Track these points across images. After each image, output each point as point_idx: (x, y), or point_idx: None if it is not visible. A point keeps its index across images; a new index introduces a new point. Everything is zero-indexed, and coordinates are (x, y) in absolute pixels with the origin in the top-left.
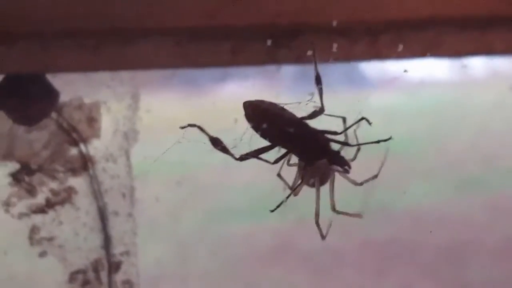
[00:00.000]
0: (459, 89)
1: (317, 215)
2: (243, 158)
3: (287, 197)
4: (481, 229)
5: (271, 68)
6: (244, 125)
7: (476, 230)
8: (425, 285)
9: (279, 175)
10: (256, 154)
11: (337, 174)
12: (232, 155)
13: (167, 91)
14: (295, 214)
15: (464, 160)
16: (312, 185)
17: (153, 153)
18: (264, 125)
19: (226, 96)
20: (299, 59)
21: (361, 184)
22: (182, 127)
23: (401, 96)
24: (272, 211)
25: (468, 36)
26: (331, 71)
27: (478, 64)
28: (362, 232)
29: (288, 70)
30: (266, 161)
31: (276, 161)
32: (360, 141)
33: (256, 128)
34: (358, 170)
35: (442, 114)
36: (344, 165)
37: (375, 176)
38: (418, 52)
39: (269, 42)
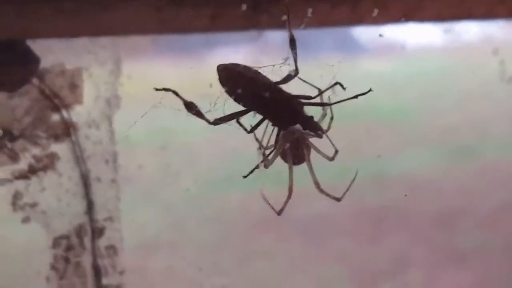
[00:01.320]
0: (447, 55)
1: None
2: (217, 122)
3: (261, 162)
4: (474, 196)
5: (253, 33)
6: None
7: (469, 197)
8: (419, 252)
9: (254, 134)
10: (230, 118)
11: (312, 152)
12: (206, 119)
13: (149, 56)
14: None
15: (457, 128)
16: (286, 160)
17: (135, 118)
18: (238, 90)
19: (208, 61)
20: (280, 24)
21: (332, 159)
22: (157, 89)
23: (391, 64)
24: (245, 176)
25: (449, 1)
26: (322, 37)
27: (461, 29)
28: (356, 199)
29: (272, 36)
30: (245, 128)
31: (252, 130)
32: (334, 112)
33: (230, 92)
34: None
35: (432, 82)
36: (317, 130)
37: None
38: (398, 17)
39: (244, 7)
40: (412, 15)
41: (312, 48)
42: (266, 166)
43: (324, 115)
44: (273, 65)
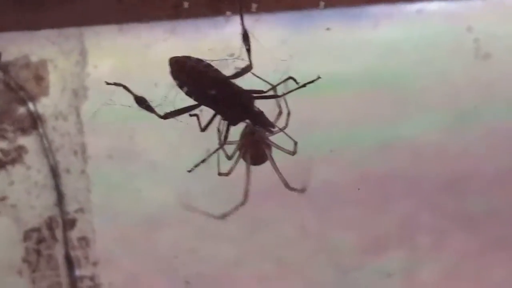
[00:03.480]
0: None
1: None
2: (167, 117)
3: (208, 156)
4: (480, 160)
5: (220, 19)
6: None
7: (475, 160)
8: (425, 217)
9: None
10: (180, 112)
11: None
12: (156, 113)
13: (115, 46)
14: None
15: (462, 91)
16: (246, 160)
17: (102, 109)
18: (187, 88)
19: (172, 50)
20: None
21: (294, 153)
22: (108, 83)
23: (395, 29)
24: (190, 171)
25: None
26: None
27: None
28: (361, 167)
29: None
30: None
31: (204, 129)
32: (290, 106)
33: (181, 86)
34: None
35: (437, 45)
36: (267, 125)
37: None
38: None
39: None
40: None
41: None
42: (228, 158)
43: (280, 113)
44: (226, 59)
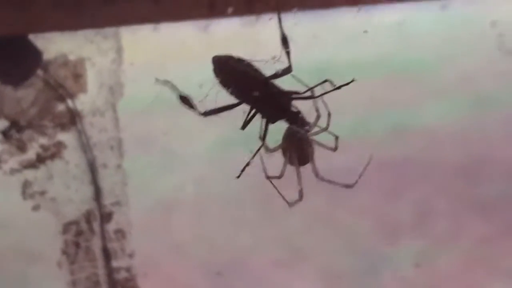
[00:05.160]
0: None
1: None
2: (207, 114)
3: (252, 157)
4: (497, 146)
5: (251, 18)
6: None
7: (491, 146)
8: (441, 203)
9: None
10: (220, 110)
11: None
12: (198, 111)
13: (150, 44)
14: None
15: (480, 77)
16: (293, 163)
17: (138, 105)
18: (228, 86)
19: (207, 47)
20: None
21: (335, 149)
22: (157, 81)
23: (419, 26)
24: (238, 177)
25: None
26: None
27: None
28: (377, 153)
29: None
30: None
31: (244, 127)
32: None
33: (223, 84)
34: None
35: (459, 39)
36: (303, 125)
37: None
38: None
39: None
40: None
41: None
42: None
43: (318, 117)
44: (266, 61)
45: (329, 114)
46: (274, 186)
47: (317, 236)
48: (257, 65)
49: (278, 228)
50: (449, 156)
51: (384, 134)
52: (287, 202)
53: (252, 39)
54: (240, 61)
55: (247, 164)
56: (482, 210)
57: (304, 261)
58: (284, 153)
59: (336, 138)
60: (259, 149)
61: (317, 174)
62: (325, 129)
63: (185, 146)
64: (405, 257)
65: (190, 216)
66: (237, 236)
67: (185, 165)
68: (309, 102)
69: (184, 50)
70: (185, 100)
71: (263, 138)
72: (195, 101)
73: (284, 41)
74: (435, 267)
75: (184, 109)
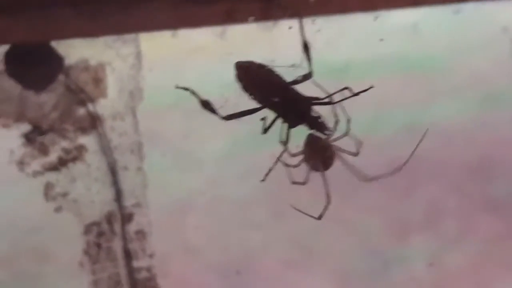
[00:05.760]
0: None
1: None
2: (228, 118)
3: (275, 163)
4: (507, 145)
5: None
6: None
7: (503, 145)
8: (452, 202)
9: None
10: (242, 115)
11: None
12: (219, 115)
13: (168, 50)
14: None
15: (492, 76)
16: (317, 169)
17: (157, 109)
18: (252, 93)
19: (225, 52)
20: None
21: (357, 153)
22: (177, 87)
23: (431, 31)
24: (262, 180)
25: None
26: None
27: None
28: (388, 151)
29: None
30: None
31: (265, 131)
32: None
33: (245, 89)
34: None
35: (471, 44)
36: (323, 130)
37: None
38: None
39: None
40: None
41: None
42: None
43: (337, 122)
44: (289, 67)
45: (348, 120)
46: (299, 210)
47: (329, 234)
48: (278, 70)
49: (288, 228)
50: (461, 155)
51: (396, 133)
52: (314, 217)
53: (269, 44)
54: (261, 66)
55: (271, 169)
56: (493, 208)
57: (315, 260)
58: (307, 159)
59: (360, 144)
60: (282, 154)
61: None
62: (346, 134)
63: (203, 149)
64: (416, 256)
65: (205, 217)
66: (249, 237)
67: (202, 167)
68: (328, 109)
69: (202, 55)
70: (207, 105)
71: (285, 142)
72: (215, 106)
73: (306, 47)
74: (447, 265)
75: (201, 113)
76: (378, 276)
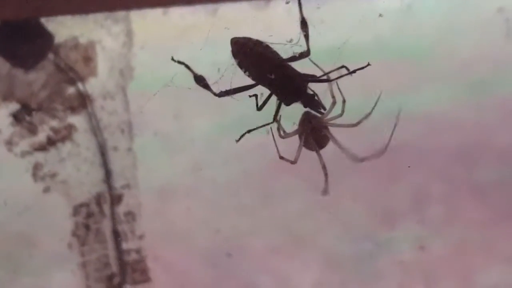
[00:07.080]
0: None
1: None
2: (222, 95)
3: (256, 128)
4: (492, 131)
5: (260, 3)
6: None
7: (487, 132)
8: (437, 188)
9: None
10: (236, 91)
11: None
12: (212, 91)
13: (160, 28)
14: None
15: (476, 63)
16: (311, 148)
17: (148, 88)
18: (245, 67)
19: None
20: None
21: (356, 124)
22: (172, 60)
23: (424, 10)
24: (237, 141)
25: None
26: None
27: None
28: (373, 137)
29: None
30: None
31: (260, 108)
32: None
33: (240, 65)
34: None
35: (450, 17)
36: (318, 107)
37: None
38: None
39: None
40: None
41: None
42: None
43: (334, 103)
44: (285, 44)
45: (343, 101)
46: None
47: (314, 220)
48: (274, 47)
49: (275, 214)
50: (446, 141)
51: (381, 119)
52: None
53: (262, 22)
54: (258, 43)
55: (249, 132)
56: (478, 194)
57: (301, 245)
58: (300, 137)
59: (359, 121)
60: (265, 125)
61: (354, 158)
62: (340, 115)
63: (192, 130)
64: (403, 242)
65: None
66: (238, 222)
67: (192, 148)
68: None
69: (193, 33)
70: (200, 80)
71: (275, 118)
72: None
73: (304, 24)
74: (433, 250)
75: (193, 92)
76: (365, 261)
